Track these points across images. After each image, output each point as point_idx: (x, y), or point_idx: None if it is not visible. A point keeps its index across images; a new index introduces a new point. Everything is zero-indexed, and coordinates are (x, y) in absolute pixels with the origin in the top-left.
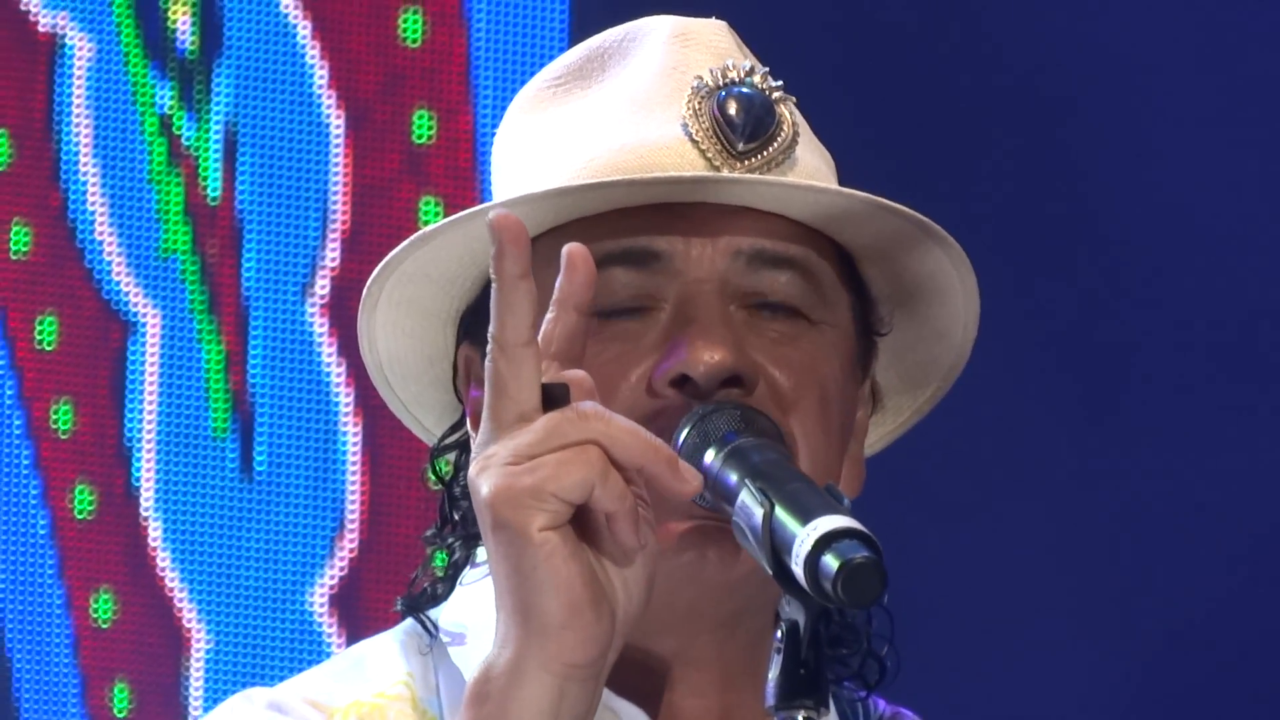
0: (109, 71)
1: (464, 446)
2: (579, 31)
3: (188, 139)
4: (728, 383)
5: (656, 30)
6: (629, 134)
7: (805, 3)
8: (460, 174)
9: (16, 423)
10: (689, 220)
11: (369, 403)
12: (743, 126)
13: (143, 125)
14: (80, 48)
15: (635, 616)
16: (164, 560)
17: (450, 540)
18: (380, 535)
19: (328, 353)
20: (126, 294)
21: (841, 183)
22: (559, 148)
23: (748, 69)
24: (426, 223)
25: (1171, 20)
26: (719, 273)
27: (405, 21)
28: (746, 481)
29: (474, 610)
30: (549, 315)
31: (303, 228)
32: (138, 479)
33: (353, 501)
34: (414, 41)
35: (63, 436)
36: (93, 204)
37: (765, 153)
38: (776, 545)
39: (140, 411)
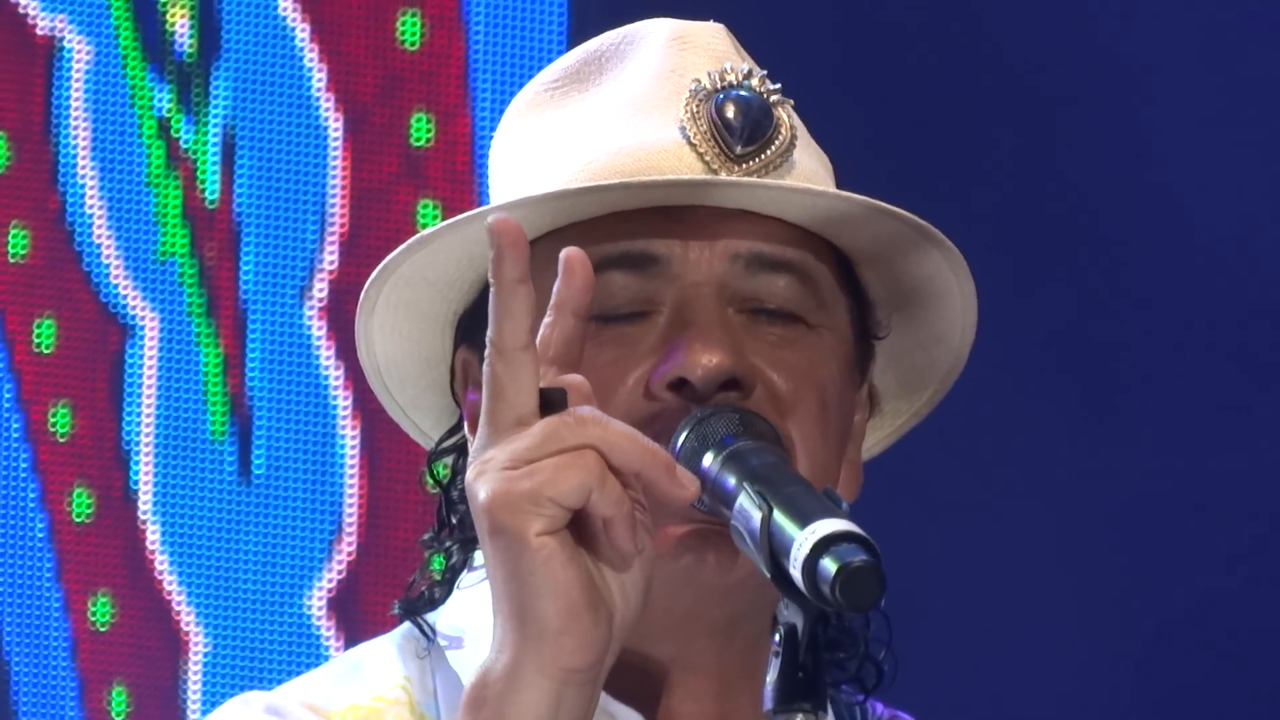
0: (107, 74)
1: (461, 450)
2: (577, 35)
3: (186, 142)
4: (726, 386)
5: (654, 33)
6: (627, 137)
7: (804, 4)
8: (458, 177)
9: (15, 426)
10: (687, 223)
11: (367, 406)
12: (740, 130)
13: (141, 128)
14: (78, 50)
15: (633, 621)
16: (162, 563)
17: (448, 544)
18: (378, 538)
19: (326, 356)
20: (125, 297)
21: (840, 184)
22: (556, 151)
23: (745, 72)
24: (425, 226)
25: (1171, 20)
26: (717, 276)
27: (404, 24)
28: (745, 485)
29: (471, 614)
30: (546, 319)
31: (301, 231)
32: (136, 482)
33: (351, 504)
34: (412, 44)
35: (61, 439)
36: (91, 207)
37: (763, 156)
38: (775, 548)
39: (138, 414)
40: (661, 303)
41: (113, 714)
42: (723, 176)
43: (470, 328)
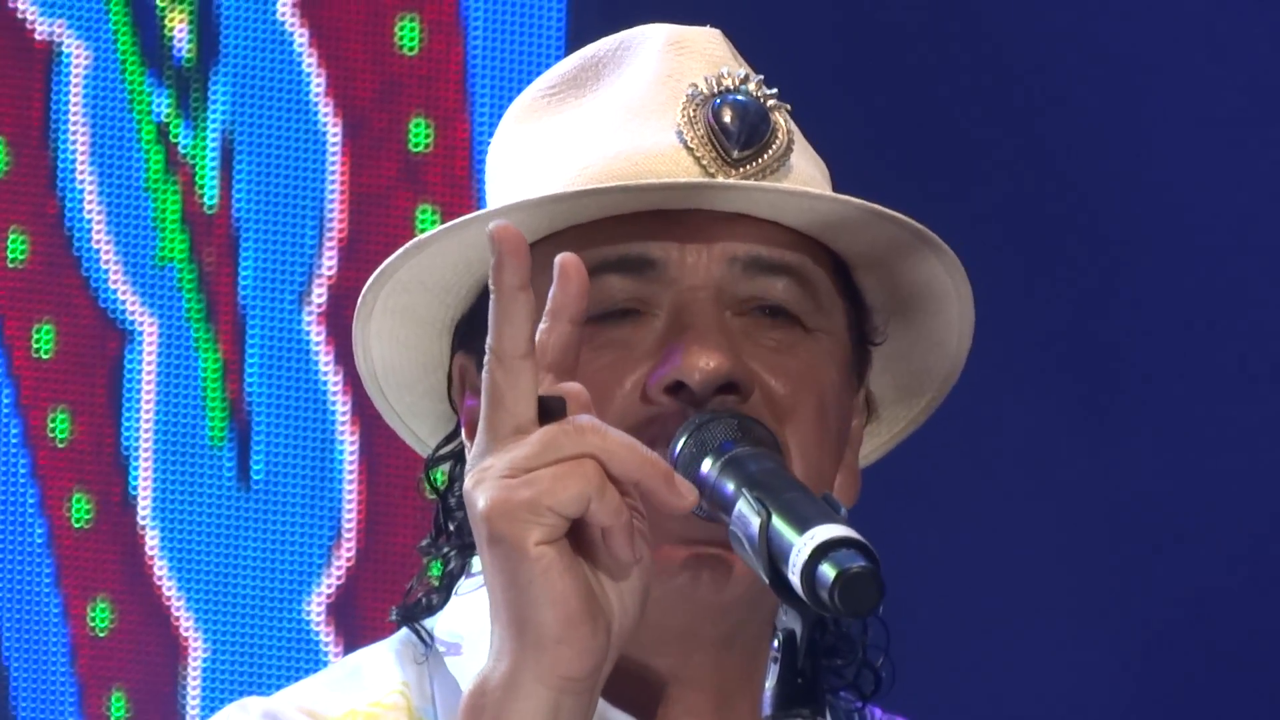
0: (106, 79)
1: (459, 457)
2: (575, 40)
3: (184, 147)
4: (723, 389)
5: (651, 38)
6: (624, 141)
7: (803, 5)
8: (457, 182)
9: (13, 431)
10: (684, 227)
11: (366, 411)
12: (738, 134)
13: (139, 133)
14: (77, 56)
15: (630, 629)
16: (161, 569)
17: (445, 550)
18: (377, 544)
19: (324, 361)
20: (123, 302)
21: (839, 186)
22: (554, 156)
23: (742, 77)
24: (423, 231)
25: (1171, 19)
26: (714, 280)
27: (402, 29)
28: (743, 491)
29: (469, 620)
30: (542, 325)
31: (299, 236)
32: (135, 488)
33: (350, 510)
34: (411, 49)
35: (60, 445)
36: (89, 212)
37: (760, 160)
38: (773, 554)
39: (137, 420)
40: (659, 306)
41: (112, 719)
42: (720, 179)
43: (468, 333)
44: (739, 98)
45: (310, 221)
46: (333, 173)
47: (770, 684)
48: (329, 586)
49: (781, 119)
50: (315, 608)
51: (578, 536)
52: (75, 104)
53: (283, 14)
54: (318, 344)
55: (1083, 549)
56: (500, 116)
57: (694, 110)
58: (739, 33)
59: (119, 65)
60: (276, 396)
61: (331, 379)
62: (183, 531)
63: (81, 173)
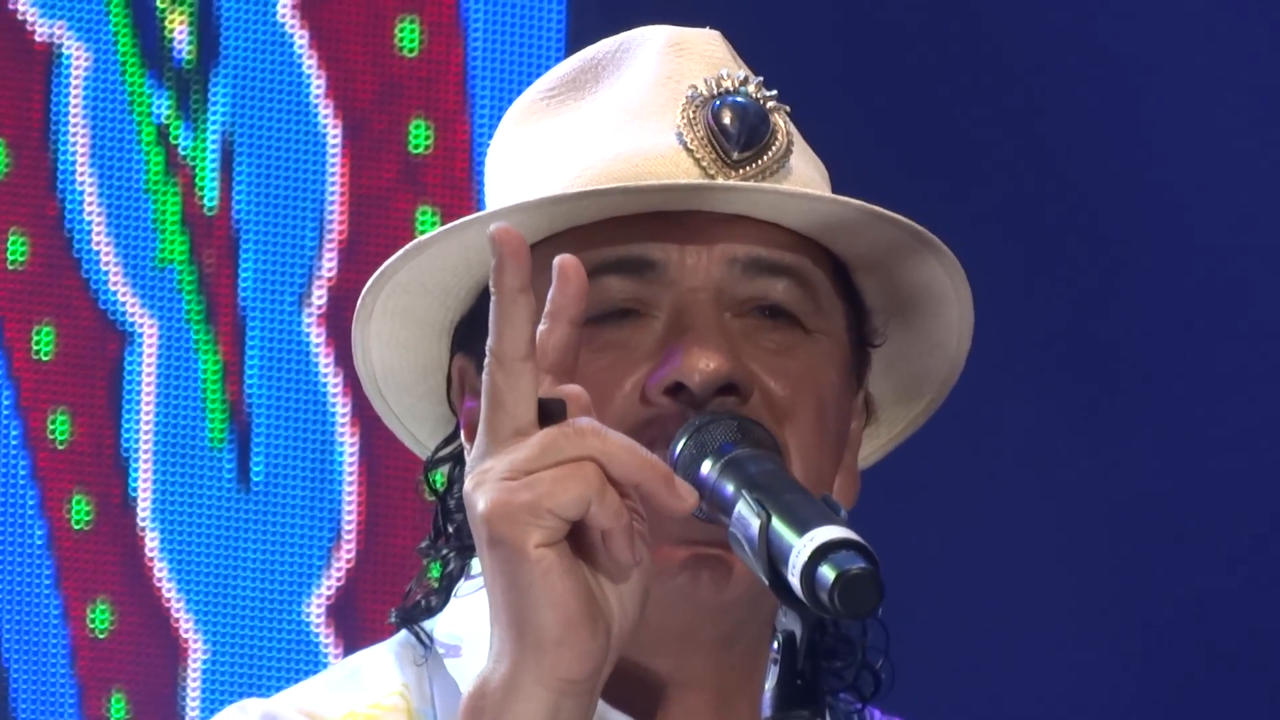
0: (106, 81)
1: (458, 459)
2: (575, 41)
3: (184, 148)
4: (723, 391)
5: (651, 40)
6: (623, 143)
7: (803, 6)
8: (457, 184)
9: (13, 433)
10: (684, 228)
11: (365, 413)
12: (737, 135)
13: (139, 135)
14: (77, 57)
15: (630, 631)
16: (161, 570)
17: (445, 552)
18: (377, 545)
19: (324, 363)
20: (123, 304)
21: (839, 186)
22: (553, 157)
23: (742, 78)
24: (423, 232)
25: (1171, 20)
26: (714, 281)
27: (402, 31)
28: (743, 492)
29: (469, 622)
30: (541, 327)
31: (299, 237)
32: (135, 489)
33: (349, 512)
34: (411, 51)
35: (60, 447)
36: (89, 214)
37: (760, 161)
38: (773, 556)
39: (137, 422)
40: (659, 308)
41: None
42: (720, 181)
43: (467, 335)
44: (739, 99)
45: (310, 223)
46: (333, 174)
47: (770, 685)
48: (328, 588)
49: (781, 120)
50: (315, 609)
51: (577, 539)
52: (75, 105)
53: (283, 15)
54: (317, 346)
55: (1083, 549)
56: (500, 118)
57: (694, 112)
58: (739, 34)
59: (119, 66)
60: (276, 398)
61: (331, 381)
62: (183, 533)
63: (81, 174)
